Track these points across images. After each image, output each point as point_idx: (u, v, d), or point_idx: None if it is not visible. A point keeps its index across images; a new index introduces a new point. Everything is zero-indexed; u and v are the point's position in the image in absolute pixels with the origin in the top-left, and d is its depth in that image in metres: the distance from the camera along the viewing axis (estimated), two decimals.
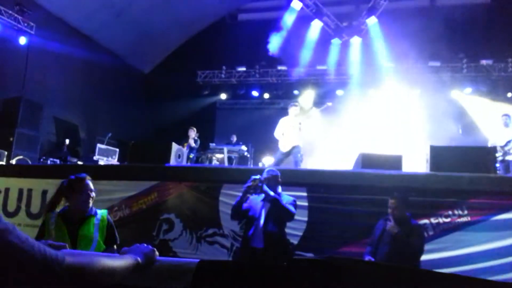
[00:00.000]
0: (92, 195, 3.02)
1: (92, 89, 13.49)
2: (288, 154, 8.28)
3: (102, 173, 6.29)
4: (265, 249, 4.12)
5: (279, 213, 4.32)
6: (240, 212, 4.43)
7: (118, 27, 13.61)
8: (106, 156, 10.04)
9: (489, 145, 8.18)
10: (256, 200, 4.45)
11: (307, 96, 14.11)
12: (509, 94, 12.43)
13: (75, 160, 9.94)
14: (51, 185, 5.98)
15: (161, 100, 15.21)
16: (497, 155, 7.25)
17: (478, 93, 12.66)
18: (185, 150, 8.77)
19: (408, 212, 4.22)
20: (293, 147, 8.17)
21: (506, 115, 8.38)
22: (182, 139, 9.53)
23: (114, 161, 10.07)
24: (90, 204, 3.03)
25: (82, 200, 2.98)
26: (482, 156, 5.95)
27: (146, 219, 6.12)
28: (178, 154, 7.46)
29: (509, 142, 7.92)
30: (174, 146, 7.21)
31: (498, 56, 12.62)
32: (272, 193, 4.33)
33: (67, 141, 10.85)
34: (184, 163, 7.90)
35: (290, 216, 4.37)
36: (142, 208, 6.18)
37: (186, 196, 6.08)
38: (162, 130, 14.13)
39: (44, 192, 6.34)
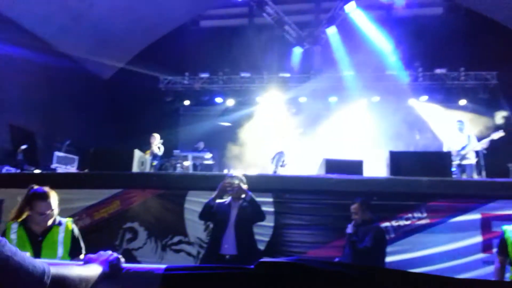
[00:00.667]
0: (50, 214, 2.88)
1: (49, 95, 12.98)
2: (273, 159, 9.03)
3: (61, 182, 6.05)
4: (238, 255, 4.07)
5: (252, 216, 4.34)
6: (210, 212, 4.39)
7: (76, 31, 13.21)
8: (65, 164, 9.69)
9: (444, 149, 8.53)
10: (222, 204, 4.43)
11: (270, 102, 14.20)
12: (461, 102, 13.03)
13: (32, 168, 9.52)
14: (7, 194, 5.73)
15: (122, 106, 14.86)
16: (453, 159, 7.59)
17: (433, 101, 13.19)
18: (148, 157, 8.62)
19: (373, 215, 4.33)
20: (277, 153, 8.98)
21: (459, 121, 8.79)
22: (144, 146, 9.33)
23: (73, 169, 9.74)
24: (49, 222, 2.90)
25: (40, 219, 2.86)
26: (439, 160, 6.22)
27: (108, 229, 5.96)
28: (141, 162, 7.32)
29: (464, 147, 8.31)
30: (137, 153, 7.06)
31: (451, 65, 13.22)
32: (250, 192, 4.36)
33: (23, 148, 10.38)
34: (147, 170, 7.76)
35: (263, 217, 4.46)
36: (103, 217, 6.02)
37: (150, 204, 5.97)
38: (123, 137, 13.78)
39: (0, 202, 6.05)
